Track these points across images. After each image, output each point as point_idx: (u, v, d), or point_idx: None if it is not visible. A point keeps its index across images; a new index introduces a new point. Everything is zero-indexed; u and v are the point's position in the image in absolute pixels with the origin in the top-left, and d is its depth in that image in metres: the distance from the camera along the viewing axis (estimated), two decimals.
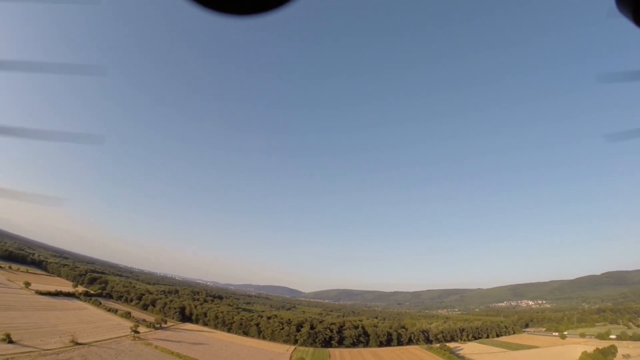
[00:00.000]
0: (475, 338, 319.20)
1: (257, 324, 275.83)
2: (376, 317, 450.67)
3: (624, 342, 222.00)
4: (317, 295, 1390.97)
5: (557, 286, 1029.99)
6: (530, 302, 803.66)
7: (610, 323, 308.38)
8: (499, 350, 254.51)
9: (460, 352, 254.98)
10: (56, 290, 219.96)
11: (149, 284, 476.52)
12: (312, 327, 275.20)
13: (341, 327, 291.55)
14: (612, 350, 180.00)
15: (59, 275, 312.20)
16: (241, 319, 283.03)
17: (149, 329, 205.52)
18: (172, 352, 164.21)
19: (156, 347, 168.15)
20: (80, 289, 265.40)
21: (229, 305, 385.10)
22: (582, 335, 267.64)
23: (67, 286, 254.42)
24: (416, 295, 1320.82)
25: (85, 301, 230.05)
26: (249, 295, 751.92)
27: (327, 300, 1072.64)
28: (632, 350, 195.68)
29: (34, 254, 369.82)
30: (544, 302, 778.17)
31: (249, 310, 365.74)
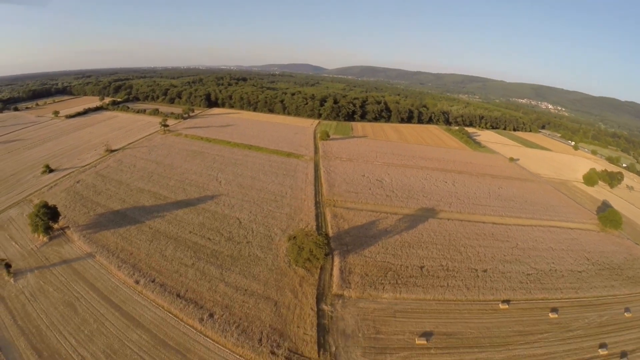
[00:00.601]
0: (493, 127, 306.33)
1: (282, 101, 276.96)
2: (398, 95, 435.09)
3: (631, 173, 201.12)
4: (341, 71, 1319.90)
5: (578, 98, 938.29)
6: (550, 106, 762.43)
7: (622, 151, 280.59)
8: (514, 144, 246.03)
9: (477, 137, 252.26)
10: (84, 109, 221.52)
11: (173, 78, 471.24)
12: (335, 102, 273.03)
13: (364, 102, 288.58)
14: (618, 177, 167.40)
15: (85, 94, 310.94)
16: (266, 97, 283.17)
17: (178, 120, 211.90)
18: (202, 138, 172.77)
19: (186, 135, 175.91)
20: (107, 100, 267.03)
21: (253, 85, 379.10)
22: (594, 153, 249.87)
23: (94, 102, 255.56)
24: (439, 77, 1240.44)
25: (113, 110, 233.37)
26: (272, 75, 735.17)
27: (350, 77, 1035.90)
28: (636, 184, 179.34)
29: (57, 84, 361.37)
30: (563, 109, 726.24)
31: (273, 89, 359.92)
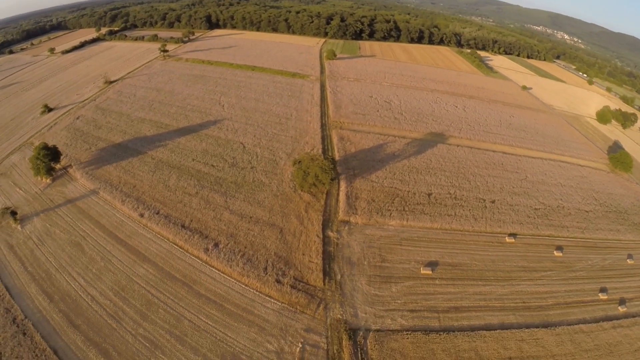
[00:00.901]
0: (506, 53, 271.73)
1: (286, 20, 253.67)
2: (408, 14, 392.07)
3: None
4: None
5: (596, 31, 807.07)
6: (566, 36, 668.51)
7: (637, 92, 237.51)
8: (527, 72, 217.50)
9: (490, 62, 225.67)
10: (80, 42, 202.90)
11: (172, 2, 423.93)
12: (342, 20, 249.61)
13: (372, 20, 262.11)
14: (632, 118, 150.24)
15: (81, 27, 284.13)
16: (269, 16, 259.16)
17: (178, 45, 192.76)
18: (203, 61, 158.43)
19: (186, 60, 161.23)
20: (104, 30, 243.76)
21: (256, 4, 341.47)
22: (609, 90, 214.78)
23: (90, 34, 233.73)
24: None
25: (111, 40, 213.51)
26: None
27: None
28: None
29: (51, 20, 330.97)
30: (580, 41, 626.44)
31: (277, 7, 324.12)
